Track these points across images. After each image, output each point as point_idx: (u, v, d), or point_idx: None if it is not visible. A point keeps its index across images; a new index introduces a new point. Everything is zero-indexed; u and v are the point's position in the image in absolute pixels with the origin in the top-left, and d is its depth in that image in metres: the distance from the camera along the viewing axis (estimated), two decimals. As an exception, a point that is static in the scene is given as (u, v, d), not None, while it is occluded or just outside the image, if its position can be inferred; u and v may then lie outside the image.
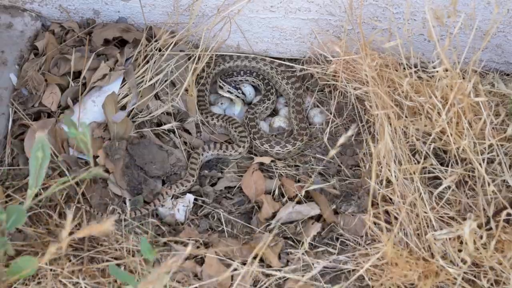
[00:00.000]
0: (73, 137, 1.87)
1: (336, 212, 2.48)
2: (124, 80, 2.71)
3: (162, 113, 2.70)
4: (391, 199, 2.38)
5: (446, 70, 2.29)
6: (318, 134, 2.77)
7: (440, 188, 2.26)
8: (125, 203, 2.46)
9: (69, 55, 2.68)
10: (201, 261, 2.31)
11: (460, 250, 2.20)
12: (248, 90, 2.96)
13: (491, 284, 2.18)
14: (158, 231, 2.41)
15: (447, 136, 2.36)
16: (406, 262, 2.21)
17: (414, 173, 2.37)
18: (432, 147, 2.44)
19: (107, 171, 2.51)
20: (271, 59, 2.94)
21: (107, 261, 2.22)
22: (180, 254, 1.72)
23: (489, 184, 2.26)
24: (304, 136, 2.70)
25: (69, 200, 2.40)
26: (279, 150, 2.67)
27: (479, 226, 2.23)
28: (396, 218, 2.34)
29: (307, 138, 2.72)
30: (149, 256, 1.79)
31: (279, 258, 2.34)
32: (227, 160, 2.67)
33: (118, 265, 2.22)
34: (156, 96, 2.72)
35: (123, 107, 2.65)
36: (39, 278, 2.12)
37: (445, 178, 2.28)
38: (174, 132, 2.68)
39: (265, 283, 2.24)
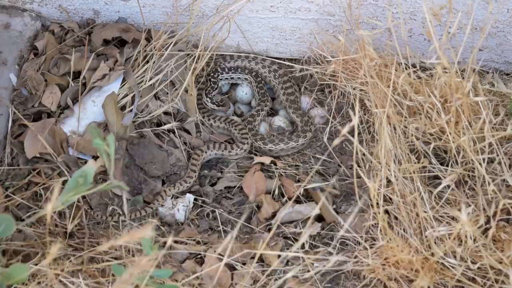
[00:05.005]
0: (98, 148, 1.86)
1: (336, 212, 2.47)
2: (124, 80, 2.71)
3: (162, 113, 2.70)
4: (391, 198, 2.38)
5: (445, 69, 2.29)
6: (318, 134, 2.77)
7: (440, 188, 2.26)
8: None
9: (69, 55, 2.68)
10: (201, 261, 2.31)
11: (460, 245, 2.20)
12: (245, 90, 2.96)
13: (492, 283, 2.18)
14: (158, 231, 2.41)
15: (447, 135, 2.36)
16: (405, 255, 2.21)
17: (414, 172, 2.37)
18: (432, 147, 2.44)
19: (107, 171, 2.51)
20: (266, 58, 2.94)
21: (107, 261, 2.22)
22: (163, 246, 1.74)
23: (489, 184, 2.26)
24: (309, 132, 2.70)
25: (69, 200, 2.40)
26: (283, 147, 2.68)
27: (479, 226, 2.23)
28: (396, 218, 2.34)
29: (312, 135, 2.72)
30: (149, 252, 1.81)
31: (279, 258, 2.34)
32: (227, 160, 2.68)
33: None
34: (156, 96, 2.72)
35: (123, 107, 2.65)
36: (39, 278, 2.12)
37: (445, 178, 2.28)
38: (174, 132, 2.68)
39: (265, 283, 2.24)
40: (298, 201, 2.54)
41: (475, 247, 2.18)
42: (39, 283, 2.12)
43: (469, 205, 2.33)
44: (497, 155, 2.37)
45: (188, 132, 2.73)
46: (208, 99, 2.83)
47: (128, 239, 1.65)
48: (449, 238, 2.21)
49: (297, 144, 2.69)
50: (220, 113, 2.87)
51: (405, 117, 2.48)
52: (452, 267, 2.19)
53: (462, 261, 2.20)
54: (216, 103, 2.84)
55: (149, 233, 1.60)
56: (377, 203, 2.22)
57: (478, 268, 2.20)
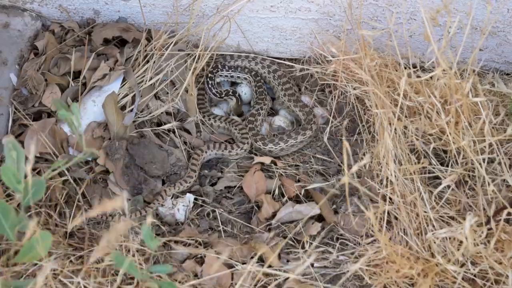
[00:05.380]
0: (63, 118, 1.90)
1: (336, 212, 2.48)
2: (124, 79, 2.71)
3: (162, 112, 2.70)
4: (391, 198, 2.38)
5: (444, 70, 2.29)
6: (319, 133, 2.77)
7: (440, 188, 2.26)
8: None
9: (69, 55, 2.68)
10: (201, 261, 2.31)
11: (459, 250, 2.20)
12: (244, 90, 2.96)
13: (491, 284, 2.18)
14: (158, 231, 2.41)
15: (447, 135, 2.36)
16: (405, 260, 2.21)
17: (414, 172, 2.37)
18: (432, 147, 2.44)
19: (107, 171, 2.51)
20: (266, 58, 2.94)
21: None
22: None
23: (489, 184, 2.26)
24: (308, 130, 2.71)
25: (69, 200, 2.40)
26: (282, 146, 2.68)
27: (479, 226, 2.23)
28: (396, 218, 2.34)
29: (312, 133, 2.72)
30: (151, 244, 1.80)
31: (279, 258, 2.34)
32: (227, 160, 2.68)
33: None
34: (156, 96, 2.73)
35: (123, 107, 2.66)
36: (39, 278, 2.13)
37: (445, 178, 2.28)
38: (174, 132, 2.68)
39: (265, 283, 2.24)
40: (298, 201, 2.54)
41: (475, 248, 2.19)
42: (39, 282, 2.12)
43: (471, 210, 2.34)
44: (497, 155, 2.38)
45: (188, 132, 2.73)
46: (211, 88, 2.84)
47: (100, 209, 1.66)
48: (449, 239, 2.21)
49: (296, 142, 2.69)
50: (218, 110, 2.87)
51: (406, 116, 2.48)
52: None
53: (463, 262, 2.21)
54: (218, 93, 2.85)
55: (120, 203, 1.62)
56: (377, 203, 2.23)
57: (477, 266, 2.20)
